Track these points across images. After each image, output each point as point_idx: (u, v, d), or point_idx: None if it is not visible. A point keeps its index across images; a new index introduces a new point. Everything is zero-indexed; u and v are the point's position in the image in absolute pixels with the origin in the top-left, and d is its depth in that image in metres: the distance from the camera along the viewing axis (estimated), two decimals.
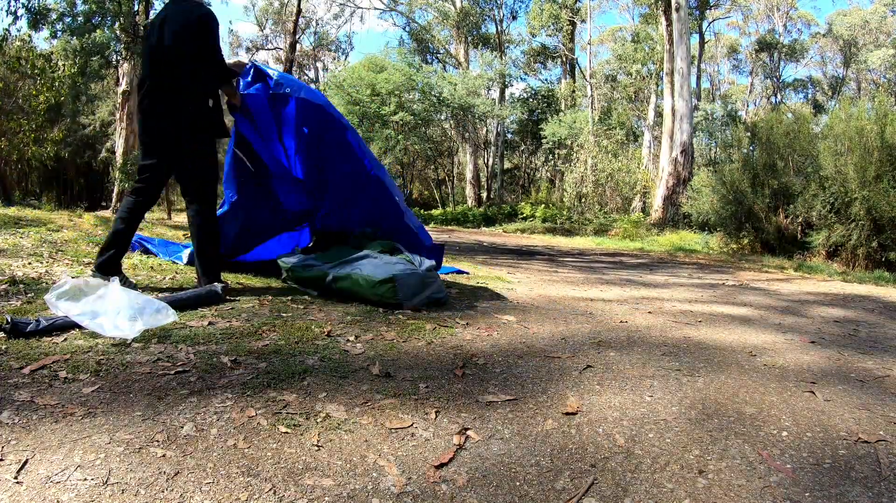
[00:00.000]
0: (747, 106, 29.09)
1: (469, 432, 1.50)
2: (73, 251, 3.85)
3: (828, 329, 3.16)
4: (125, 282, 2.82)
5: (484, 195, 22.33)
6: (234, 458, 1.28)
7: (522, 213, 16.87)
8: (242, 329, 2.35)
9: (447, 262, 4.98)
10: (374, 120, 18.72)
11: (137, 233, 4.15)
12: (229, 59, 3.19)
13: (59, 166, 19.45)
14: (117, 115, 17.77)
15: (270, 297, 3.06)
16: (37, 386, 1.61)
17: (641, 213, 14.85)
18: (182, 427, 1.41)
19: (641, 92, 21.60)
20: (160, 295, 2.75)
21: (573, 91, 22.10)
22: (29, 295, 2.70)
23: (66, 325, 2.14)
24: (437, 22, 23.95)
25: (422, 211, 19.54)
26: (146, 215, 3.66)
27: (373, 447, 1.38)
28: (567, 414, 1.66)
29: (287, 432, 1.42)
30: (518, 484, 1.25)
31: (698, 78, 23.43)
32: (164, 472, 1.20)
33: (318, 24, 26.81)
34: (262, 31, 26.33)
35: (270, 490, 1.16)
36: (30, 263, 3.41)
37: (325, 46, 27.53)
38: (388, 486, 1.21)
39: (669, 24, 14.55)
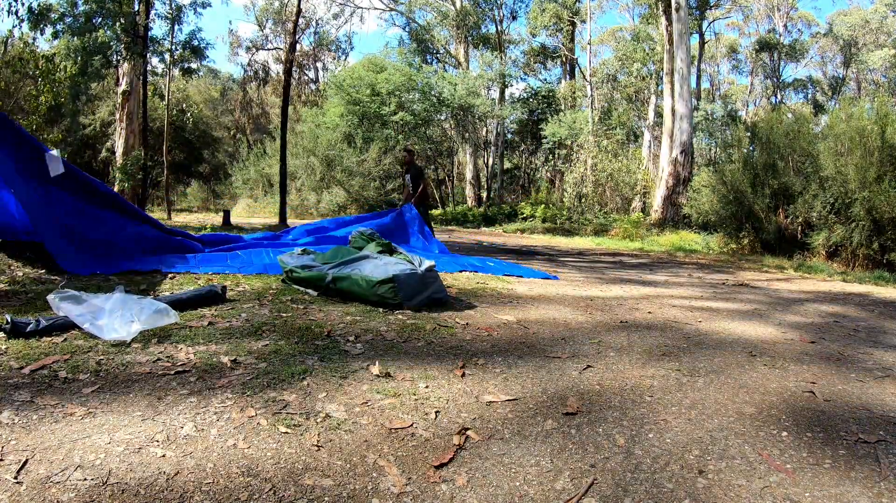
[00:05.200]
0: (747, 106, 29.08)
1: (469, 432, 1.50)
2: None
3: (828, 329, 3.16)
4: None
5: (484, 195, 22.33)
6: (234, 458, 1.28)
7: (522, 213, 16.87)
8: (242, 329, 2.35)
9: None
10: (374, 120, 18.71)
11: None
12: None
13: None
14: (117, 115, 17.78)
15: (270, 297, 3.06)
16: (37, 386, 1.61)
17: (641, 213, 14.84)
18: (182, 427, 1.41)
19: (641, 92, 21.59)
20: (161, 294, 2.75)
21: (573, 91, 22.10)
22: (29, 295, 2.70)
23: (66, 325, 2.14)
24: (436, 22, 23.94)
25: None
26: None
27: (373, 447, 1.38)
28: (567, 414, 1.66)
29: (287, 432, 1.42)
30: (518, 484, 1.25)
31: (698, 78, 23.42)
32: (164, 472, 1.20)
33: (318, 24, 26.80)
34: (262, 30, 26.32)
35: (270, 490, 1.16)
36: (30, 263, 3.41)
37: (325, 46, 27.52)
38: (388, 486, 1.21)
39: (669, 24, 14.55)
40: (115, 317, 2.16)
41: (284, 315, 2.66)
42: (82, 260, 3.51)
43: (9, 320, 2.03)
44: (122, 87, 16.57)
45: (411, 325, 2.61)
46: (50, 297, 2.30)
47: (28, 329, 2.04)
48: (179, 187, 26.34)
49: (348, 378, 1.84)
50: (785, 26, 27.02)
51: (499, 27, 23.09)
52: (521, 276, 4.88)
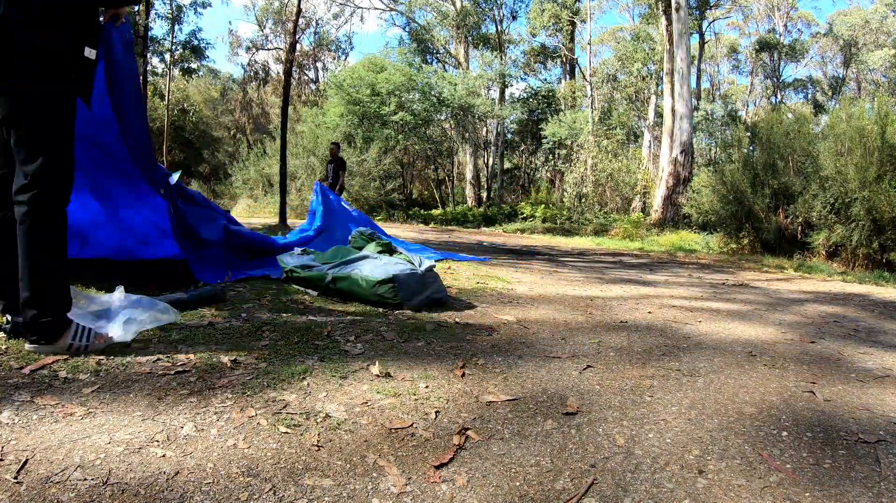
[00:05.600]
0: (747, 106, 29.09)
1: (469, 432, 1.50)
2: None
3: (828, 329, 3.16)
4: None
5: (484, 195, 22.33)
6: (234, 458, 1.28)
7: (522, 213, 16.87)
8: (242, 329, 2.35)
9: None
10: (374, 120, 18.72)
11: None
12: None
13: None
14: None
15: (270, 297, 3.06)
16: (37, 386, 1.61)
17: (641, 213, 14.84)
18: (182, 427, 1.41)
19: (641, 92, 21.59)
20: (162, 294, 2.75)
21: (573, 91, 22.09)
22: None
23: None
24: (437, 22, 23.94)
25: (422, 211, 19.54)
26: None
27: (373, 447, 1.38)
28: (567, 414, 1.66)
29: (287, 432, 1.42)
30: (518, 484, 1.25)
31: (698, 78, 23.43)
32: (164, 472, 1.20)
33: (318, 24, 26.81)
34: (262, 30, 26.33)
35: (270, 490, 1.16)
36: None
37: (325, 46, 27.54)
38: (388, 486, 1.21)
39: (669, 24, 14.56)
40: (115, 317, 2.16)
41: (284, 315, 2.66)
42: (210, 266, 3.30)
43: (9, 320, 2.03)
44: None
45: (411, 325, 2.61)
46: None
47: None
48: None
49: (348, 378, 1.85)
50: (785, 26, 27.03)
51: (499, 27, 23.09)
52: (459, 261, 5.58)
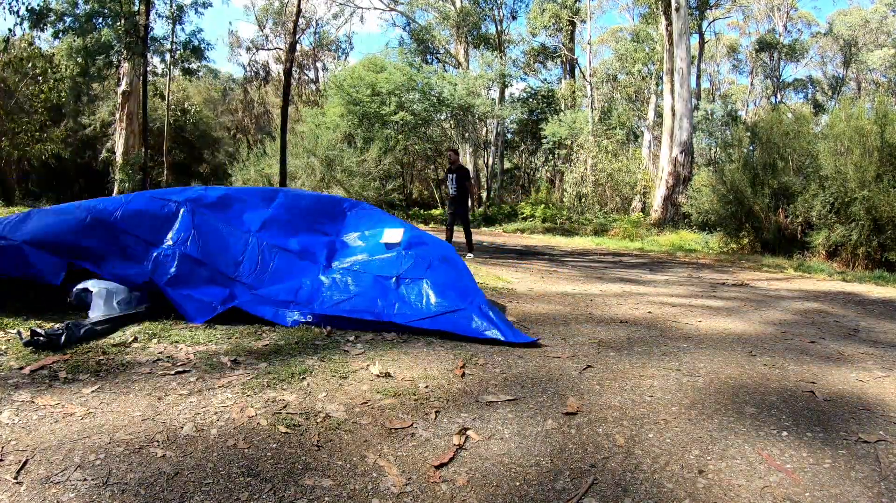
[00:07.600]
0: (747, 106, 29.07)
1: (469, 432, 1.50)
2: None
3: (827, 328, 3.16)
4: None
5: (484, 195, 22.33)
6: (234, 458, 1.28)
7: (522, 213, 16.87)
8: (242, 329, 2.35)
9: None
10: (374, 120, 18.71)
11: None
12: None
13: (60, 166, 19.47)
14: (117, 116, 17.78)
15: None
16: (37, 386, 1.61)
17: (641, 213, 14.83)
18: (182, 427, 1.41)
19: (641, 92, 21.57)
20: None
21: (573, 91, 22.08)
22: (29, 295, 2.70)
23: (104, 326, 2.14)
24: (437, 22, 23.94)
25: (422, 211, 19.55)
26: None
27: (373, 447, 1.38)
28: (567, 414, 1.66)
29: (287, 432, 1.42)
30: (518, 484, 1.25)
31: (698, 78, 23.41)
32: (164, 472, 1.20)
33: (318, 25, 26.81)
34: (262, 30, 26.34)
35: (270, 490, 1.16)
36: None
37: (325, 46, 27.54)
38: (388, 486, 1.21)
39: (669, 24, 14.55)
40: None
41: None
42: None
43: (43, 333, 1.91)
44: (123, 87, 16.58)
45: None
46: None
47: (63, 340, 1.92)
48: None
49: (348, 378, 1.85)
50: (785, 26, 27.04)
51: (499, 27, 23.09)
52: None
